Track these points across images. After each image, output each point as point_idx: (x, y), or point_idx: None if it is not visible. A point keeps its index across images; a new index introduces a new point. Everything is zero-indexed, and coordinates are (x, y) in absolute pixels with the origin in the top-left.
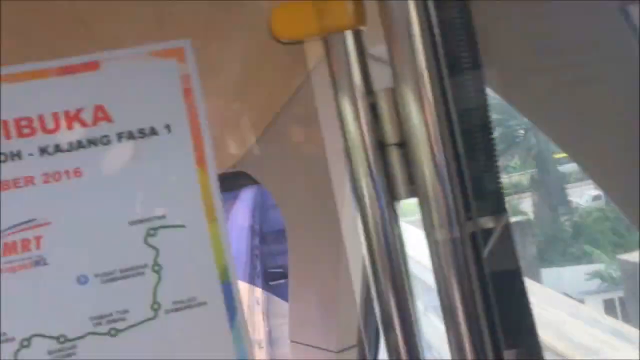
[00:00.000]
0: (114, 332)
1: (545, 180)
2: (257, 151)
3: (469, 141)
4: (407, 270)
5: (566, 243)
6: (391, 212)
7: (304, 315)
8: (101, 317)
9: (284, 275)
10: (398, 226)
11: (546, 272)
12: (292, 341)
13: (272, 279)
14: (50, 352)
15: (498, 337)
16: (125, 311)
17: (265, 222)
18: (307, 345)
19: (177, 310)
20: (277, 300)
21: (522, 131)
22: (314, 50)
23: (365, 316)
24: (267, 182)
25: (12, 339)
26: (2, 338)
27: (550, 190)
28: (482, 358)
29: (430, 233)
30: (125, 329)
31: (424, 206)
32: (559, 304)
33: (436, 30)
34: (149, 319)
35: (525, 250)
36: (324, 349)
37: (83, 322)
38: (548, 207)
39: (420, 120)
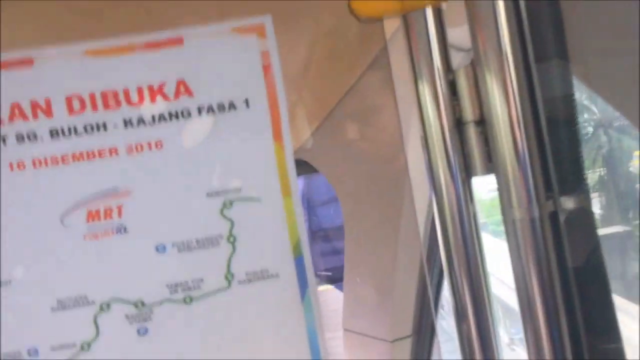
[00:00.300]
0: (188, 300)
1: (616, 181)
2: (318, 138)
3: (551, 119)
4: (481, 251)
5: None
6: (466, 191)
7: (358, 304)
8: (177, 285)
9: (333, 280)
10: (473, 205)
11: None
12: (345, 329)
13: (319, 283)
14: (127, 317)
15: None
16: (200, 280)
17: (313, 219)
18: (361, 334)
19: (249, 281)
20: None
21: (590, 128)
22: (391, 28)
23: (421, 306)
24: (325, 170)
25: (93, 303)
26: (83, 301)
27: (620, 192)
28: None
29: (507, 212)
30: (200, 297)
31: (502, 184)
32: None
33: (521, 9)
34: (223, 289)
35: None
36: (378, 338)
37: (160, 289)
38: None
39: (502, 96)
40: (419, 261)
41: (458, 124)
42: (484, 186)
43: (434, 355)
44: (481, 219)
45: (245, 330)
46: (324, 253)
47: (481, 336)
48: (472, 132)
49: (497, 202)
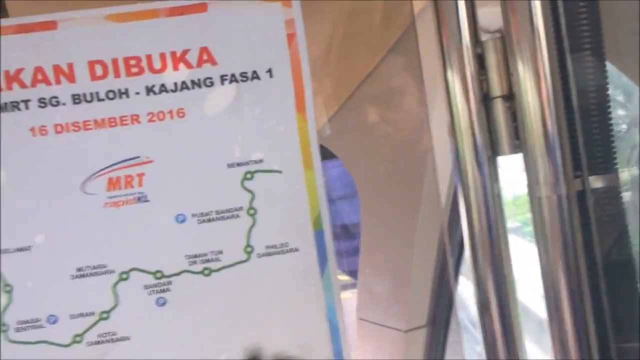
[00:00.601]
0: (207, 272)
1: None
2: (337, 122)
3: (582, 95)
4: (505, 233)
5: None
6: (492, 169)
7: (373, 293)
8: (196, 256)
9: (350, 286)
10: (498, 184)
11: None
12: (359, 319)
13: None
14: (146, 287)
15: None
16: (219, 252)
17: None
18: (375, 323)
19: (269, 254)
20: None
21: (625, 126)
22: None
23: (437, 296)
24: (343, 156)
25: (112, 271)
26: (103, 270)
27: None
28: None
29: (534, 190)
30: (219, 269)
31: (529, 162)
32: None
33: None
34: (242, 262)
35: None
36: (392, 328)
37: (179, 260)
38: None
39: (532, 70)
40: (436, 251)
41: (485, 99)
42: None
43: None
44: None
45: (263, 304)
46: (339, 252)
47: (504, 325)
48: (499, 108)
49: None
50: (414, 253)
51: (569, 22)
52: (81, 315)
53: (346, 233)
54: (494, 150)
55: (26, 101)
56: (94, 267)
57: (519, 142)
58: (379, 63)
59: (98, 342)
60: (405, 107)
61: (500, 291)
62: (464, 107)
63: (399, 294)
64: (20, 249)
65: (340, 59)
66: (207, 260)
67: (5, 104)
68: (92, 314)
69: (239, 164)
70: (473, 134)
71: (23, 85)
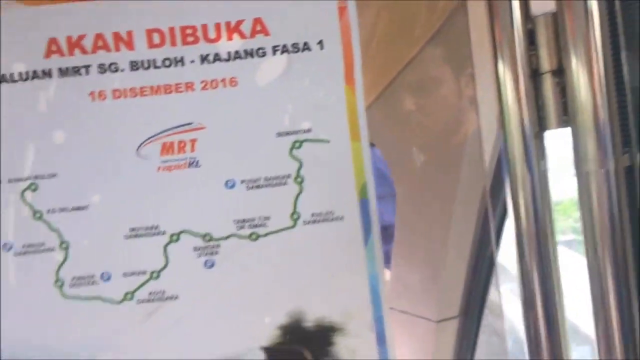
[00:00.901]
0: (254, 237)
1: None
2: (375, 110)
3: (633, 71)
4: (550, 208)
5: None
6: (539, 144)
7: (405, 282)
8: (244, 221)
9: None
10: (545, 162)
11: None
12: (390, 308)
13: None
14: (195, 249)
15: None
16: (267, 218)
17: None
18: (406, 312)
19: (314, 222)
20: None
21: None
22: None
23: (470, 287)
24: (380, 144)
25: (163, 233)
26: (154, 231)
27: None
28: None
29: (581, 165)
30: (265, 235)
31: (577, 136)
32: None
33: None
34: (288, 228)
35: None
36: (423, 318)
37: (227, 224)
38: None
39: (583, 45)
40: (471, 242)
41: (534, 75)
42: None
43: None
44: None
45: (307, 270)
46: None
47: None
48: (548, 83)
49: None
50: (448, 243)
51: None
52: (133, 273)
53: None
54: (542, 126)
55: (87, 67)
56: (147, 228)
57: (566, 118)
58: (419, 52)
59: (148, 300)
60: (445, 96)
61: (545, 271)
62: (513, 82)
63: (432, 284)
64: (78, 208)
65: (381, 47)
66: (255, 226)
67: (67, 68)
68: (143, 272)
69: (287, 133)
70: (521, 109)
71: (84, 51)
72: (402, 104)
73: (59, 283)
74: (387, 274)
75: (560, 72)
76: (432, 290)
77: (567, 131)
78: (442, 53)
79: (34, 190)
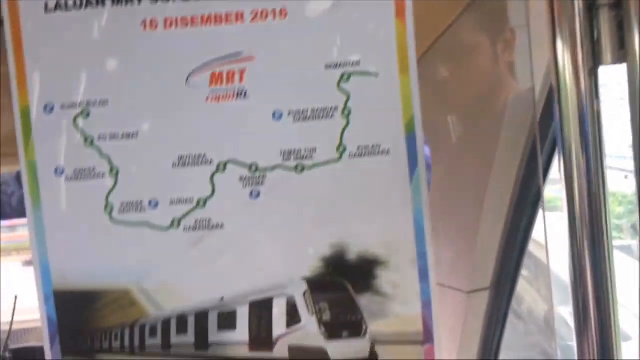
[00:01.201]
0: (300, 168)
1: None
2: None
3: None
4: (602, 150)
5: None
6: (593, 80)
7: (438, 253)
8: (290, 152)
9: None
10: (598, 101)
11: None
12: None
13: None
14: (242, 179)
15: None
16: (313, 150)
17: None
18: (439, 284)
19: (360, 155)
20: None
21: None
22: None
23: (503, 258)
24: None
25: (211, 162)
26: (202, 160)
27: None
28: None
29: (636, 100)
30: (311, 167)
31: (633, 72)
32: None
33: None
34: (334, 161)
35: None
36: (454, 288)
37: (273, 155)
38: None
39: None
40: (505, 213)
41: (590, 8)
42: None
43: None
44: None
45: (352, 203)
46: None
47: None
48: (605, 16)
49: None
50: (482, 213)
51: None
52: (180, 201)
53: None
54: (596, 62)
55: None
56: (194, 157)
57: (623, 52)
58: (456, 19)
59: (194, 228)
60: (482, 64)
61: (596, 229)
62: (567, 15)
63: (465, 255)
64: (128, 135)
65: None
66: (301, 157)
67: None
68: (190, 201)
69: (336, 65)
70: (575, 43)
71: None
72: (439, 70)
73: (108, 208)
74: None
75: (618, 5)
76: (464, 262)
77: (623, 68)
78: (480, 19)
79: (86, 116)
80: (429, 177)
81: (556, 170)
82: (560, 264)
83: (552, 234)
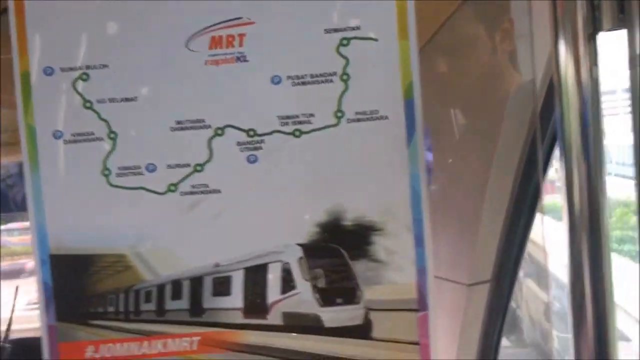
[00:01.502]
0: (297, 134)
1: None
2: None
3: None
4: (600, 119)
5: None
6: (591, 46)
7: (439, 246)
8: (288, 117)
9: None
10: (597, 68)
11: None
12: None
13: None
14: (239, 143)
15: None
16: (311, 115)
17: None
18: (438, 277)
19: (358, 120)
20: None
21: None
22: None
23: (504, 251)
24: None
25: (209, 127)
26: (200, 124)
27: None
28: None
29: (635, 65)
30: (309, 132)
31: (634, 37)
32: None
33: None
34: (332, 126)
35: None
36: (454, 282)
37: (271, 120)
38: None
39: None
40: (506, 205)
41: None
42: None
43: None
44: None
45: (349, 168)
46: None
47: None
48: None
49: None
50: (483, 206)
51: None
52: (177, 165)
53: None
54: (596, 27)
55: None
56: (192, 122)
57: (623, 17)
58: (454, 12)
59: (191, 193)
60: (480, 55)
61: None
62: None
63: (465, 248)
64: (127, 99)
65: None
66: (299, 122)
67: None
68: (187, 165)
69: (335, 30)
70: (574, 8)
71: None
72: (439, 63)
73: (106, 172)
74: None
75: None
76: (465, 255)
77: (622, 33)
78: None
79: (85, 80)
80: (429, 179)
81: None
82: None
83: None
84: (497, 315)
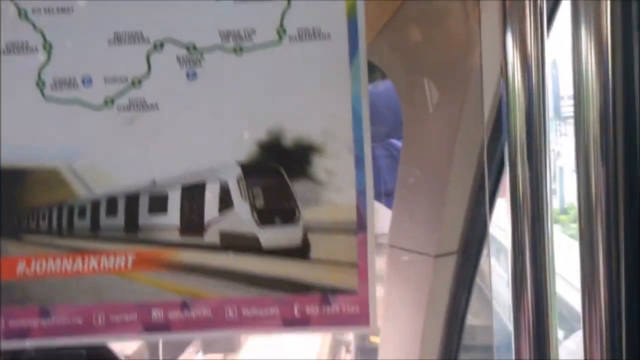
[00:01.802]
0: (238, 50)
1: None
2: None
3: None
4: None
5: None
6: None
7: (406, 220)
8: (229, 32)
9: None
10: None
11: None
12: (390, 246)
13: None
14: (178, 59)
15: None
16: (252, 31)
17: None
18: (405, 249)
19: (300, 38)
20: None
21: None
22: None
23: (471, 223)
24: (388, 71)
25: (147, 41)
26: (138, 38)
27: None
28: None
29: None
30: (250, 48)
31: None
32: None
33: None
34: (273, 43)
35: None
36: (421, 253)
37: (212, 35)
38: None
39: None
40: (473, 176)
41: None
42: None
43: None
44: None
45: (290, 87)
46: None
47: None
48: None
49: None
50: (450, 177)
51: None
52: (115, 80)
53: None
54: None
55: None
56: (130, 34)
57: None
58: None
59: (128, 108)
60: (451, 26)
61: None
62: None
63: (432, 219)
64: (63, 10)
65: None
66: (240, 38)
67: None
68: (125, 79)
69: None
70: None
71: None
72: (409, 33)
73: (40, 84)
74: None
75: None
76: (431, 226)
77: None
78: None
79: None
80: (395, 167)
81: None
82: None
83: None
84: (464, 287)
